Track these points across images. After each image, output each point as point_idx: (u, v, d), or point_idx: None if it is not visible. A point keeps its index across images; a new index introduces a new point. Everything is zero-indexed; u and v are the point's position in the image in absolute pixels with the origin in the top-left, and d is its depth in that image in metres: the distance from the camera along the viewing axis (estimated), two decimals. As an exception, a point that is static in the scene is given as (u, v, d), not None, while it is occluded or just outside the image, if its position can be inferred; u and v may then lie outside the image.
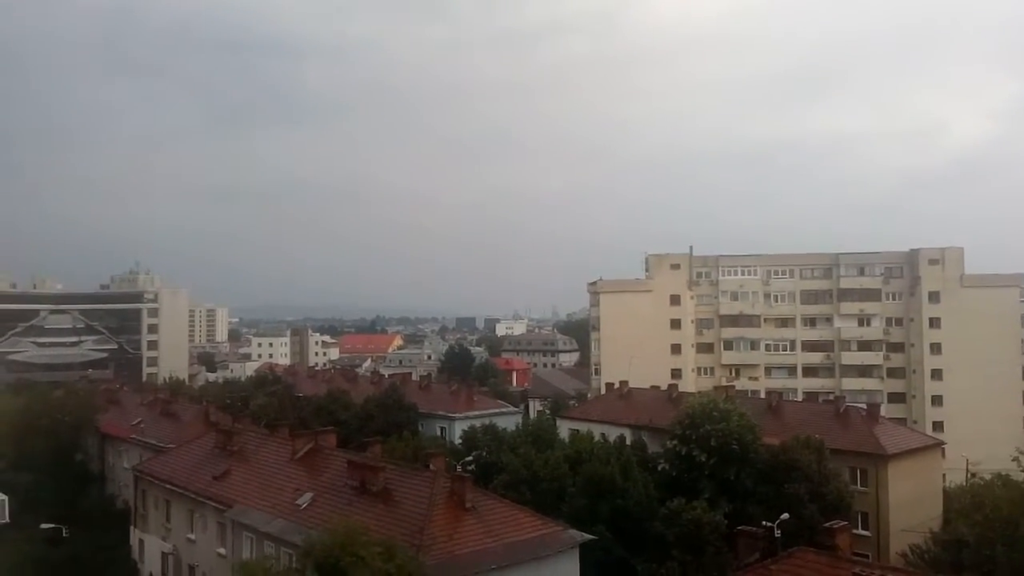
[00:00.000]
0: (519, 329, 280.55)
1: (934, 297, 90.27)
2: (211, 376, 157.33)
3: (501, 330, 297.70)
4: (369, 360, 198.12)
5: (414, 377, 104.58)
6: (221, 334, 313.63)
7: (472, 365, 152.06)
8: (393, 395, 72.28)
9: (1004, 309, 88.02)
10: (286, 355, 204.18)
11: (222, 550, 39.62)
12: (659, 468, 49.33)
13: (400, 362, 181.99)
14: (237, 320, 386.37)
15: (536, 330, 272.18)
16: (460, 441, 60.90)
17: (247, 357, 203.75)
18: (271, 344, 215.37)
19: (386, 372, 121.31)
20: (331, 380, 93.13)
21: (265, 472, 41.48)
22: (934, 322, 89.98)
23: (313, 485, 37.85)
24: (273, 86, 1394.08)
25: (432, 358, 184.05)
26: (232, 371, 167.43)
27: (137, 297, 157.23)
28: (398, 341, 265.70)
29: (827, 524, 25.44)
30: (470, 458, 54.16)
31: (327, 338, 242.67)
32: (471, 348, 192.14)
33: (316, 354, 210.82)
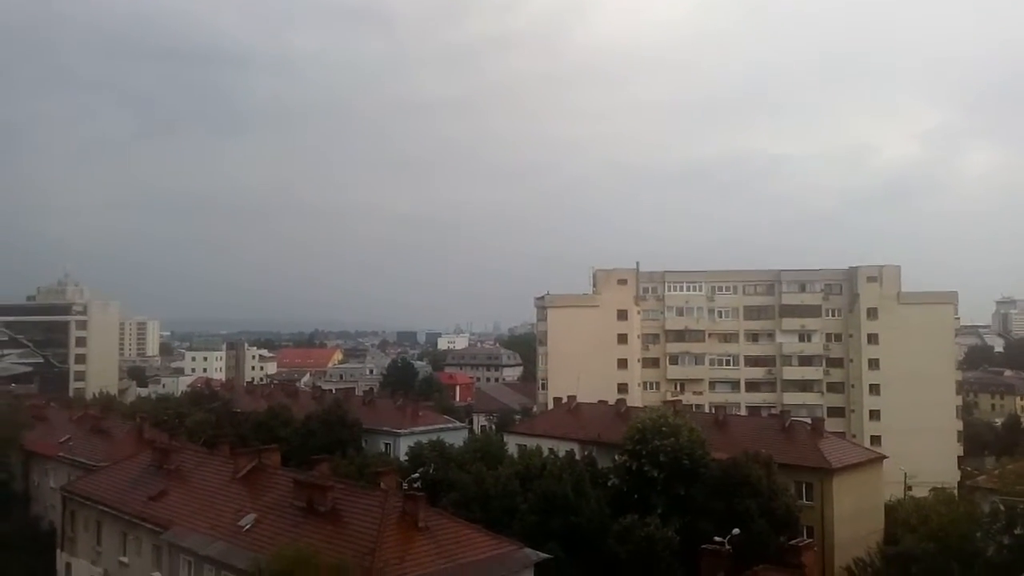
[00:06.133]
0: (461, 343, 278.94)
1: (872, 314, 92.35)
2: (143, 391, 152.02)
3: (443, 344, 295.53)
4: (308, 375, 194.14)
5: (357, 392, 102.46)
6: (152, 348, 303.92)
7: (415, 380, 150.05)
8: (336, 411, 70.32)
9: (939, 326, 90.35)
10: (221, 370, 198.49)
11: (157, 574, 37.57)
12: (609, 484, 48.87)
13: (341, 377, 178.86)
14: (169, 334, 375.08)
15: (479, 344, 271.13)
16: (406, 458, 59.63)
17: (180, 372, 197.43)
18: (205, 358, 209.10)
19: (327, 387, 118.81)
20: (270, 395, 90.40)
21: (205, 492, 39.57)
22: (872, 338, 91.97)
23: (256, 506, 36.20)
24: (215, 96, 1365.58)
25: (374, 372, 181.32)
26: (164, 386, 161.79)
27: (65, 309, 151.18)
28: (338, 355, 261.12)
29: (792, 542, 25.11)
30: (416, 475, 53.00)
31: (264, 352, 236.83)
32: (414, 362, 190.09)
33: (253, 368, 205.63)
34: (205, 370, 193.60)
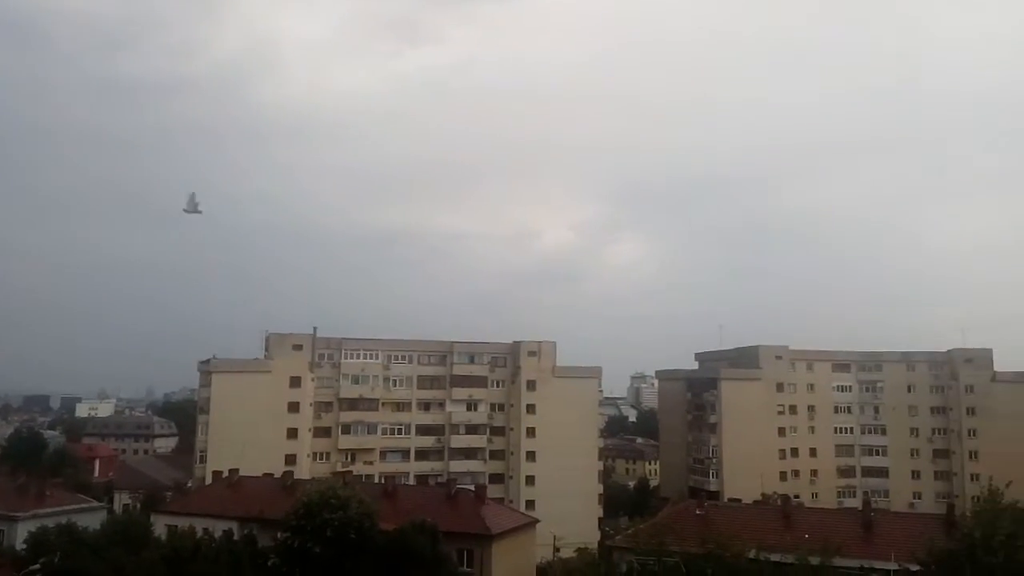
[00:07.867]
0: (106, 410, 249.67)
1: (531, 385, 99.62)
2: None
3: (83, 411, 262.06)
4: None
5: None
6: None
7: (44, 452, 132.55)
8: (-68, 493, 58.41)
9: (585, 397, 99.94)
10: None
11: None
12: (270, 564, 46.16)
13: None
14: None
15: (127, 412, 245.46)
16: (25, 546, 51.30)
17: None
18: None
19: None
20: None
21: None
22: (530, 408, 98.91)
23: None
24: None
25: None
26: None
27: None
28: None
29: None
30: (37, 566, 45.90)
31: None
32: (43, 432, 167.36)
33: None
34: None
